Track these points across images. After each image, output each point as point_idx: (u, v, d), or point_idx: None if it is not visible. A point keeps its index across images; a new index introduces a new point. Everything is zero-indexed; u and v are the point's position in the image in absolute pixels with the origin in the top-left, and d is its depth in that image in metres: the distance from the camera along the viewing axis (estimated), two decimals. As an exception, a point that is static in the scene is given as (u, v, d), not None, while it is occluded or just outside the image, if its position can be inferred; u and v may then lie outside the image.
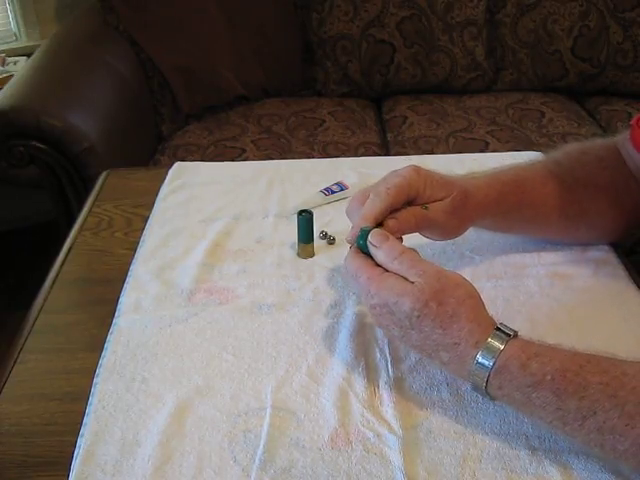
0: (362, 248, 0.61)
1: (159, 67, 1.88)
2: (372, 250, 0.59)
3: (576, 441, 0.52)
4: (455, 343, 0.54)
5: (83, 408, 0.59)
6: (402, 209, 0.64)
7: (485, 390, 0.54)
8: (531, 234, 0.78)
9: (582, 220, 0.76)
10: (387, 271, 0.58)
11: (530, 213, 0.73)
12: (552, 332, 0.65)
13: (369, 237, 0.60)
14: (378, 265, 0.59)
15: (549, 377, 0.51)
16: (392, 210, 0.63)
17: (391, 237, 0.60)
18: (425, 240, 0.70)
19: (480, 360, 0.53)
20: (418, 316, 0.54)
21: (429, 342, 0.55)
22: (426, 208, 0.65)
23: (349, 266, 0.60)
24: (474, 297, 0.56)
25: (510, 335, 0.53)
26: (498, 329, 0.54)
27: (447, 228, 0.68)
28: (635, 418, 0.48)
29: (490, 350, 0.53)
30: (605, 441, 0.49)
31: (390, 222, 0.62)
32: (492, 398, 0.55)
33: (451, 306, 0.54)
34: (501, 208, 0.71)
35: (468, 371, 0.54)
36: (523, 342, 0.54)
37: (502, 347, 0.52)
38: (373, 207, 0.62)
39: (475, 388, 0.55)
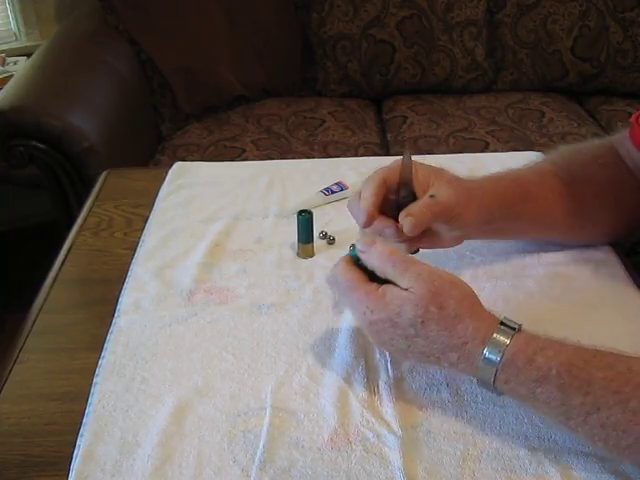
0: (356, 259, 0.59)
1: (159, 67, 1.88)
2: (362, 256, 0.59)
3: (580, 436, 0.52)
4: (463, 342, 0.54)
5: (83, 408, 0.59)
6: (412, 205, 0.64)
7: (493, 385, 0.54)
8: (538, 234, 0.77)
9: (586, 218, 0.75)
10: (381, 284, 0.57)
11: (534, 207, 0.72)
12: (552, 332, 0.64)
13: (356, 246, 0.59)
14: (371, 280, 0.58)
15: (554, 372, 0.51)
16: (389, 191, 0.65)
17: (378, 240, 0.59)
18: None
19: (487, 356, 0.53)
20: (422, 322, 0.54)
21: (437, 346, 0.55)
22: (433, 196, 0.65)
23: (341, 278, 0.59)
24: (470, 295, 0.56)
25: (515, 329, 0.54)
26: (502, 323, 0.54)
27: (461, 211, 0.65)
28: (639, 415, 0.48)
29: (497, 345, 0.53)
30: (608, 437, 0.50)
31: (406, 220, 0.62)
32: (500, 393, 0.55)
33: (451, 307, 0.54)
34: (507, 201, 0.70)
35: (477, 368, 0.54)
36: (529, 336, 0.54)
37: (508, 342, 0.53)
38: (366, 189, 0.64)
39: (483, 384, 0.55)
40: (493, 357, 0.53)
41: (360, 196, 0.66)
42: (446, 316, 0.54)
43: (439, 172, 0.67)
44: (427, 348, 0.55)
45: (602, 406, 0.49)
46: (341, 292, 0.60)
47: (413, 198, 0.66)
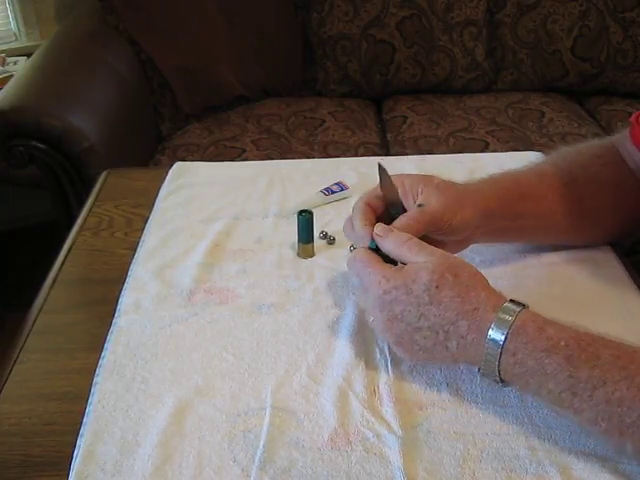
0: (374, 250, 0.62)
1: (159, 67, 1.88)
2: (378, 240, 0.61)
3: (583, 417, 0.52)
4: (475, 308, 0.55)
5: (83, 408, 0.59)
6: (398, 219, 0.64)
7: (498, 363, 0.54)
8: (538, 236, 0.76)
9: (585, 219, 0.75)
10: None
11: (534, 206, 0.72)
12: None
13: (375, 230, 0.62)
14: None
15: (563, 343, 0.52)
16: (379, 212, 0.66)
17: (395, 230, 0.61)
18: None
19: (498, 321, 0.54)
20: (437, 286, 0.56)
21: (448, 313, 0.55)
22: (422, 205, 0.65)
23: (358, 258, 0.61)
24: (481, 274, 0.59)
25: (524, 306, 0.55)
26: (512, 301, 0.56)
27: (452, 216, 0.65)
28: None
29: (508, 310, 0.54)
30: (613, 413, 0.50)
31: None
32: (503, 376, 0.55)
33: (465, 277, 0.57)
34: (507, 200, 0.70)
35: (486, 338, 0.54)
36: (536, 313, 0.55)
37: (518, 310, 0.54)
38: (356, 220, 0.65)
39: (487, 368, 0.55)
40: (503, 327, 0.53)
41: (352, 224, 0.66)
42: (460, 283, 0.56)
43: (427, 179, 0.67)
44: (438, 318, 0.56)
45: (608, 380, 0.50)
46: (356, 272, 0.61)
47: (404, 212, 0.66)
